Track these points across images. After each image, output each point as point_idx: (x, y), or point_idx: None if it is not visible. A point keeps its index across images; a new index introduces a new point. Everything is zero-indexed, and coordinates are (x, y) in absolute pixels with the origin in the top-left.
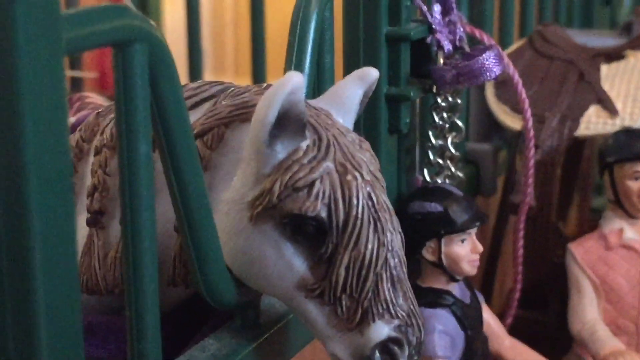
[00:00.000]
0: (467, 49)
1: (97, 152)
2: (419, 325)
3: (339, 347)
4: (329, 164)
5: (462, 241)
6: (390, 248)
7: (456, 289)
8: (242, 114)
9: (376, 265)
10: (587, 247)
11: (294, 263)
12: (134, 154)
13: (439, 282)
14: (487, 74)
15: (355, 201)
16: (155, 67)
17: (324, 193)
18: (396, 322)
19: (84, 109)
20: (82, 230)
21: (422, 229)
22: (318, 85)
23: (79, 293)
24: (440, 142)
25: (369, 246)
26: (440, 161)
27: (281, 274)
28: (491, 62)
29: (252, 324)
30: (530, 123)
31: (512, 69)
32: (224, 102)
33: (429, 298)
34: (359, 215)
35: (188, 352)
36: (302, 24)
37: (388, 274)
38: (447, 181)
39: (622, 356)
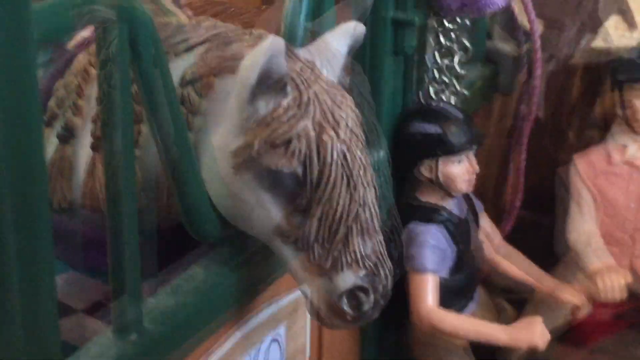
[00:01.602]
0: None
1: (102, 67)
2: (386, 274)
3: (312, 290)
4: (307, 123)
5: (459, 161)
6: (362, 203)
7: (452, 204)
8: (230, 66)
9: (347, 219)
10: (590, 161)
11: (271, 211)
12: (114, 140)
13: (435, 197)
14: (491, 6)
15: (329, 159)
16: (137, 42)
17: (300, 151)
18: (363, 271)
19: None
20: (87, 153)
21: (420, 148)
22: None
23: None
24: (446, 61)
25: (341, 202)
26: (446, 79)
27: (260, 219)
28: None
29: (238, 251)
30: (538, 43)
31: None
32: (214, 53)
33: (424, 213)
34: (332, 173)
35: (174, 281)
36: None
37: (358, 226)
38: (452, 97)
39: (608, 275)
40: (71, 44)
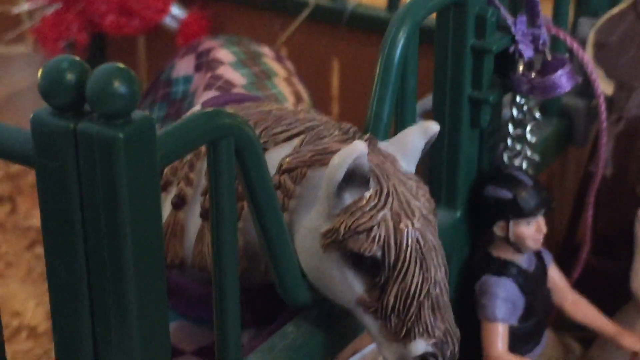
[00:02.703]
0: (548, 56)
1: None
2: (453, 342)
3: (387, 353)
4: (386, 213)
5: (528, 223)
6: (433, 282)
7: (521, 259)
8: (321, 159)
9: (420, 296)
10: None
11: (354, 286)
12: (221, 227)
13: (506, 253)
14: (558, 90)
15: (404, 246)
16: (241, 153)
17: (380, 237)
18: (433, 340)
19: (213, 86)
20: (197, 220)
21: (494, 211)
22: (402, 104)
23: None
24: (519, 131)
25: (414, 281)
26: (519, 147)
27: (344, 292)
28: (562, 81)
29: (327, 313)
30: (602, 99)
31: (586, 60)
32: (308, 147)
33: (496, 267)
34: (407, 257)
35: (269, 339)
36: (388, 52)
37: (429, 302)
38: (524, 163)
39: None
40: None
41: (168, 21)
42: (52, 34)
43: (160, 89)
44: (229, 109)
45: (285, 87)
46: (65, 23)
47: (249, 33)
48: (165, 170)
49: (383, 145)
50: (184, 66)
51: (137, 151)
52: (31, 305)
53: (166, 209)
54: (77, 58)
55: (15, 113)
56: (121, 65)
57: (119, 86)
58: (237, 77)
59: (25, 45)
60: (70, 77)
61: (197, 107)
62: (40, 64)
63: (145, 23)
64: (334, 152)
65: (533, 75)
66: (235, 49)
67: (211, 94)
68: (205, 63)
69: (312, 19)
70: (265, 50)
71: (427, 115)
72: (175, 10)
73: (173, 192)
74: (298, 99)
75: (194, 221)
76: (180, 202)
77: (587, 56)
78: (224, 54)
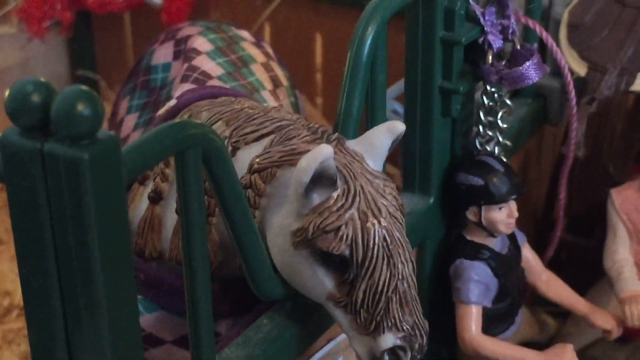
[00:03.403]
0: (517, 44)
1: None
2: (422, 335)
3: (357, 346)
4: (353, 212)
5: (500, 208)
6: (401, 277)
7: (494, 242)
8: (290, 159)
9: (388, 291)
10: (626, 196)
11: (324, 282)
12: (190, 232)
13: (479, 237)
14: (527, 80)
15: (372, 244)
16: (209, 161)
17: (347, 236)
18: (402, 333)
19: (189, 78)
20: (173, 214)
21: (466, 197)
22: (371, 99)
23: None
24: (490, 118)
25: (382, 277)
26: (490, 133)
27: (315, 287)
28: (530, 72)
29: (301, 306)
30: (571, 84)
31: (555, 49)
32: (277, 147)
33: (469, 250)
34: (375, 255)
35: (243, 332)
36: (357, 49)
37: (397, 297)
38: (496, 148)
39: (636, 303)
40: (160, 112)
41: None
42: (36, 14)
43: (140, 76)
44: (201, 107)
45: (263, 74)
46: (49, 2)
47: (232, 8)
48: None
49: (351, 144)
50: (163, 53)
51: (102, 170)
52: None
53: (144, 203)
54: (43, 80)
55: (2, 89)
56: (85, 87)
57: (83, 109)
58: (213, 68)
59: (10, 26)
60: (36, 98)
61: (172, 102)
62: (25, 44)
63: (128, 0)
64: (302, 153)
65: (503, 64)
66: (213, 36)
67: (187, 86)
68: (183, 51)
69: None
70: (245, 34)
71: (401, 99)
72: None
73: (150, 186)
74: (276, 84)
75: (170, 216)
76: (156, 197)
77: (556, 47)
78: (201, 42)
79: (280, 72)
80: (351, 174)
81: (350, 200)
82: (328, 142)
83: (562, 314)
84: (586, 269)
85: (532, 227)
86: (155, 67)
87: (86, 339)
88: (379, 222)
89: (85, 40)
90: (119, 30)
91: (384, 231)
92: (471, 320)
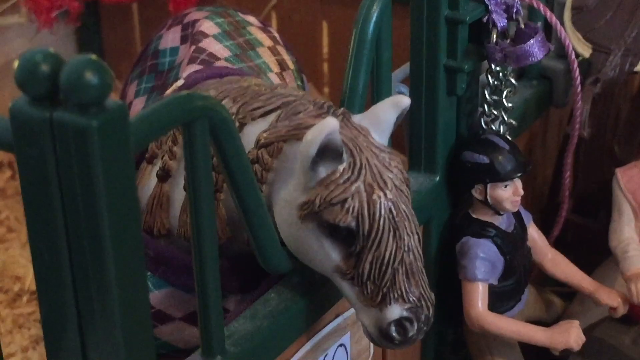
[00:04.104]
0: (521, 24)
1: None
2: (428, 306)
3: (364, 318)
4: (359, 184)
5: (505, 186)
6: (407, 249)
7: (500, 220)
8: (297, 134)
9: (394, 263)
10: (631, 175)
11: (330, 254)
12: (198, 204)
13: (485, 215)
14: (531, 58)
15: (377, 216)
16: (216, 133)
17: (353, 208)
18: (408, 305)
19: (196, 59)
20: (182, 191)
21: (471, 175)
22: (377, 77)
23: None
24: (495, 97)
25: (388, 249)
26: (495, 112)
27: (322, 260)
28: (534, 49)
29: (308, 280)
30: (575, 64)
31: (559, 28)
32: (283, 122)
33: (475, 228)
34: (381, 226)
35: (252, 306)
36: (362, 26)
37: (403, 268)
38: (501, 127)
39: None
40: (167, 92)
41: None
42: (45, 3)
43: (148, 60)
44: (208, 85)
45: (270, 57)
46: None
47: None
48: (151, 144)
49: (357, 118)
50: (170, 37)
51: (110, 138)
52: (32, 270)
53: (152, 181)
54: (51, 50)
55: (11, 80)
56: (93, 56)
57: (91, 77)
58: (220, 50)
59: (19, 16)
60: (44, 68)
61: (180, 82)
62: (34, 34)
63: None
64: (308, 127)
65: (507, 43)
66: (220, 19)
67: (194, 67)
68: (190, 35)
69: None
70: (251, 19)
71: (407, 81)
72: None
73: (159, 164)
74: (282, 68)
75: (178, 193)
76: (165, 175)
77: (560, 26)
78: (208, 26)
79: (287, 57)
80: (357, 147)
81: (356, 173)
82: (334, 116)
83: (568, 294)
84: (592, 249)
85: (537, 208)
86: (163, 51)
87: (96, 310)
88: (385, 195)
89: (93, 29)
90: (126, 20)
91: (389, 203)
92: (477, 297)
